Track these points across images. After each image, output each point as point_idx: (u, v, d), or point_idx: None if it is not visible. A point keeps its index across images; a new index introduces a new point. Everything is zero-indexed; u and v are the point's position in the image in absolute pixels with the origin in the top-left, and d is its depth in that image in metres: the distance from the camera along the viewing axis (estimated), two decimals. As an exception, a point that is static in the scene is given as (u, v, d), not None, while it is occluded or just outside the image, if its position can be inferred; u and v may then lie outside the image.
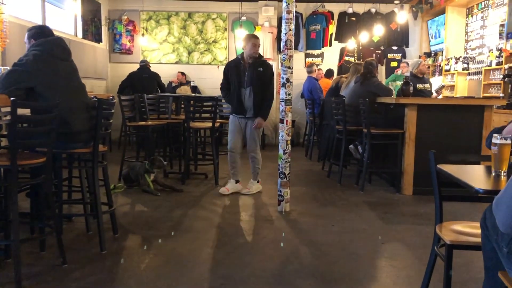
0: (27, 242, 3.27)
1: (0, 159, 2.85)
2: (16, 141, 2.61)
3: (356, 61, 8.76)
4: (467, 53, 8.46)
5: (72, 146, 3.23)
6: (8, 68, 3.20)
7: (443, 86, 6.97)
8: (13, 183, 2.63)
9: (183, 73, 9.59)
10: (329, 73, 9.11)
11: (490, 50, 7.48)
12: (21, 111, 2.69)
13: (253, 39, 5.01)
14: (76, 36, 8.27)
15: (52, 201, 3.08)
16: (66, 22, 8.02)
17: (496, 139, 2.05)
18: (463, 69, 8.25)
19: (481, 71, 7.68)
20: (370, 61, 6.11)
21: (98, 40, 9.21)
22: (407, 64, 8.06)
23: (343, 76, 7.29)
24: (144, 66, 8.40)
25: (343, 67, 9.83)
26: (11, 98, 2.61)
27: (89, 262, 3.05)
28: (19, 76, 2.94)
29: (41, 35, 3.15)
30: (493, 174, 2.10)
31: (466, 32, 8.64)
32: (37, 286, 2.65)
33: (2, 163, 2.77)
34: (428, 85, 6.65)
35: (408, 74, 7.01)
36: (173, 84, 9.39)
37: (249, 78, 4.94)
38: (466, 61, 8.22)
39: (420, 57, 9.73)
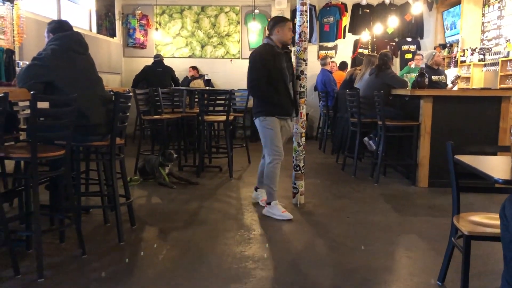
0: (47, 234, 3.33)
1: (20, 152, 2.91)
2: (36, 134, 2.66)
3: (370, 53, 8.71)
4: (483, 44, 8.34)
5: (90, 139, 3.28)
6: (27, 62, 3.25)
7: (458, 76, 6.90)
8: (34, 175, 2.69)
9: (194, 67, 9.61)
10: (343, 66, 9.06)
11: (507, 41, 7.37)
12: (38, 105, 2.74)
13: (289, 23, 4.11)
14: (91, 31, 8.34)
15: (71, 193, 3.13)
16: (80, 17, 8.11)
17: (515, 129, 2.03)
18: (479, 60, 8.14)
19: (498, 62, 7.58)
20: (385, 53, 6.07)
21: (112, 34, 9.27)
22: (422, 56, 7.97)
23: (357, 68, 7.25)
24: (159, 60, 8.44)
25: (357, 60, 9.77)
26: (31, 92, 2.65)
27: (108, 253, 3.11)
28: (38, 70, 2.99)
29: (59, 30, 3.20)
30: (512, 164, 2.09)
31: (483, 23, 8.51)
32: (58, 276, 2.71)
33: (22, 155, 2.82)
34: (443, 76, 6.58)
35: (423, 65, 6.95)
36: (189, 78, 9.42)
37: (290, 70, 4.21)
38: (482, 52, 8.11)
39: (435, 48, 9.63)
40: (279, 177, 4.09)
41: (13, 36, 5.51)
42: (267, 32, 4.23)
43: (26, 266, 2.79)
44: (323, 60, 8.42)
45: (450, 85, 6.97)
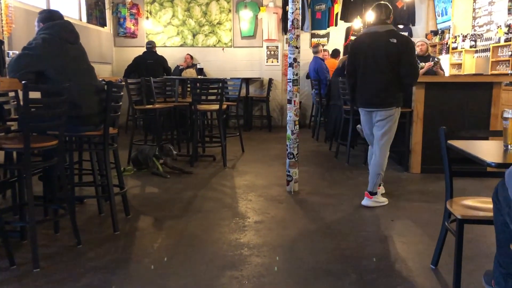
0: (41, 224, 3.33)
1: (12, 143, 2.88)
2: (28, 124, 2.64)
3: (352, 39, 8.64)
4: (475, 30, 8.36)
5: (83, 129, 3.26)
6: (17, 52, 3.21)
7: (437, 62, 6.95)
8: (27, 165, 2.67)
9: (192, 57, 9.57)
10: (335, 53, 9.05)
11: (498, 27, 7.40)
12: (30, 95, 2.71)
13: None
14: (81, 20, 8.25)
15: (65, 184, 3.12)
16: (70, 6, 8.00)
17: (507, 114, 2.05)
18: (471, 47, 8.17)
19: (489, 48, 7.61)
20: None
21: (103, 24, 9.17)
22: (426, 43, 7.96)
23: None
24: (150, 49, 8.35)
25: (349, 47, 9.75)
26: (23, 82, 2.63)
27: (103, 242, 3.11)
28: (29, 60, 2.96)
29: (50, 19, 3.16)
30: (504, 148, 2.11)
31: (474, 9, 8.53)
32: (53, 266, 2.71)
33: (15, 146, 2.80)
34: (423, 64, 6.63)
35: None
36: (181, 67, 9.36)
37: None
38: (473, 39, 8.14)
39: (426, 35, 9.64)
40: None
41: (2, 26, 5.44)
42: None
43: (21, 256, 2.79)
44: (315, 48, 8.40)
45: (422, 64, 6.99)
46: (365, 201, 4.00)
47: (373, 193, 4.00)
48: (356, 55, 4.04)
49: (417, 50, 6.50)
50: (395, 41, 3.83)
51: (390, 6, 4.01)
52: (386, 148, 4.02)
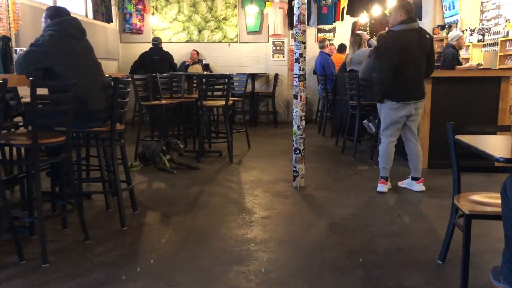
0: (50, 220, 3.35)
1: (20, 139, 2.91)
2: (36, 121, 2.65)
3: (355, 32, 8.60)
4: (483, 24, 8.29)
5: (90, 125, 3.28)
6: (24, 49, 3.23)
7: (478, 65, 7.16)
8: (35, 161, 2.69)
9: (198, 52, 9.58)
10: (341, 48, 9.00)
11: (506, 20, 7.33)
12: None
13: None
14: (87, 16, 8.26)
15: (73, 179, 3.14)
16: (76, 3, 8.02)
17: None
18: (479, 41, 8.10)
19: (497, 42, 7.54)
20: (383, 35, 6.03)
21: (109, 20, 9.19)
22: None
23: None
24: (156, 45, 8.36)
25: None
26: (30, 78, 2.64)
27: (110, 238, 3.13)
28: (36, 56, 2.97)
29: (57, 16, 3.17)
30: (513, 143, 2.10)
31: (482, 3, 8.44)
32: (62, 261, 2.73)
33: (23, 142, 2.83)
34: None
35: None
36: (186, 63, 9.36)
37: None
38: (481, 33, 8.07)
39: (433, 30, 9.57)
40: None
41: (9, 23, 5.46)
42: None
43: (30, 252, 2.81)
44: (321, 42, 8.36)
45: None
46: (419, 187, 4.30)
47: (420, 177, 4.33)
48: (400, 51, 4.14)
49: (459, 43, 6.64)
50: (428, 36, 4.22)
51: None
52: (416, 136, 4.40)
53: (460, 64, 6.79)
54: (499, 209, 2.21)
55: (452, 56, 6.83)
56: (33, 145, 2.66)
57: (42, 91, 2.75)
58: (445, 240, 2.68)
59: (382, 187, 4.29)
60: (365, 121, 5.95)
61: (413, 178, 4.36)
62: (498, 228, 3.22)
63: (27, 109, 3.85)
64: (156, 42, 8.40)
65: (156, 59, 8.18)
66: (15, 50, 5.10)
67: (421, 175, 4.36)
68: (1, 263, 2.69)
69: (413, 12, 4.26)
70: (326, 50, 8.26)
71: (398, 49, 4.14)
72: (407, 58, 4.13)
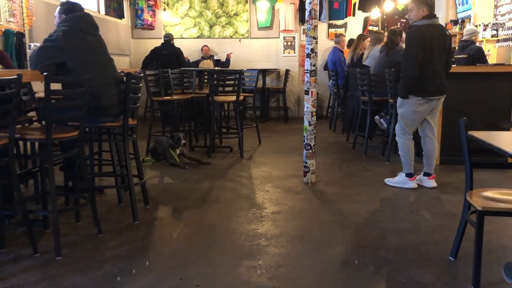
0: (63, 213, 3.40)
1: (34, 133, 2.95)
2: (50, 115, 2.68)
3: (378, 30, 8.58)
4: (497, 19, 8.17)
5: (103, 120, 3.30)
6: (38, 44, 3.27)
7: None
8: (49, 156, 2.72)
9: (209, 48, 9.61)
10: (350, 43, 8.95)
11: (521, 15, 7.22)
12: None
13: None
14: (99, 12, 8.32)
15: (86, 174, 3.18)
16: (88, -2, 8.08)
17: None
18: (492, 36, 8.00)
19: (511, 38, 7.44)
20: (393, 30, 6.00)
21: (120, 16, 9.23)
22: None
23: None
24: (168, 41, 8.38)
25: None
26: (44, 73, 2.67)
27: (123, 232, 3.16)
28: (50, 52, 3.01)
29: (70, 11, 3.20)
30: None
31: (496, -3, 8.33)
32: (75, 254, 2.77)
33: (37, 137, 2.86)
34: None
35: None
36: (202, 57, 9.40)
37: None
38: (495, 28, 7.96)
39: (446, 25, 9.48)
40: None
41: (23, 19, 5.52)
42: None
43: (44, 245, 2.85)
44: (337, 37, 8.27)
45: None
46: (431, 183, 4.31)
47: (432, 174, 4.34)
48: (425, 46, 4.10)
49: (477, 39, 6.72)
50: (448, 33, 4.28)
51: None
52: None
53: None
54: (512, 206, 2.20)
55: (481, 52, 6.77)
56: (47, 139, 2.69)
57: (55, 86, 2.78)
58: (457, 237, 2.67)
59: (413, 183, 4.29)
60: (377, 116, 5.91)
61: (425, 174, 4.34)
62: (510, 224, 3.20)
63: (41, 104, 3.90)
64: (168, 38, 8.44)
65: (164, 53, 8.21)
66: (29, 45, 5.16)
67: (433, 171, 4.33)
68: (16, 255, 2.73)
69: (434, 8, 4.24)
70: (340, 46, 8.21)
71: (423, 44, 4.08)
72: (432, 53, 4.09)
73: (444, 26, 4.38)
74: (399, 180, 4.34)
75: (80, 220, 3.32)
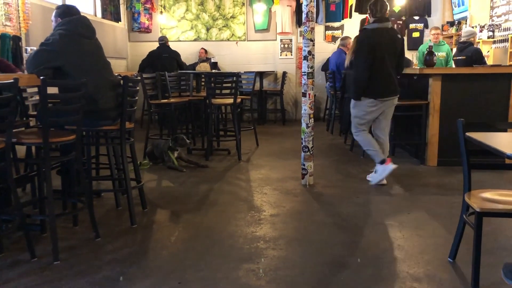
0: (61, 218, 3.38)
1: (31, 137, 2.94)
2: (47, 119, 2.68)
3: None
4: (493, 21, 8.20)
5: (100, 124, 3.30)
6: (35, 48, 3.26)
7: None
8: (46, 160, 2.71)
9: (206, 50, 9.61)
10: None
11: (517, 17, 7.25)
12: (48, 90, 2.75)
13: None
14: (96, 16, 8.31)
15: (83, 178, 3.16)
16: (85, 2, 8.06)
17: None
18: (488, 37, 8.03)
19: (508, 39, 7.46)
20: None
21: (117, 19, 9.23)
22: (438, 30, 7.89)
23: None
24: (163, 44, 8.39)
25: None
26: (41, 77, 2.66)
27: (121, 235, 3.15)
28: (47, 56, 3.00)
29: (67, 14, 3.20)
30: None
31: (492, -1, 8.36)
32: (73, 258, 2.75)
33: (34, 141, 2.85)
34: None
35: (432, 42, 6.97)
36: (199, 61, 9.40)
37: None
38: (491, 29, 7.99)
39: (442, 26, 9.51)
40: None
41: (19, 23, 5.51)
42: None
43: (42, 249, 2.84)
44: (343, 40, 8.20)
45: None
46: (392, 165, 4.36)
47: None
48: (375, 50, 4.27)
49: (475, 40, 6.69)
50: (399, 36, 4.43)
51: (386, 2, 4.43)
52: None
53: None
54: (510, 207, 2.20)
55: (480, 53, 6.79)
56: (44, 144, 2.68)
57: (52, 89, 2.78)
58: (455, 238, 2.67)
59: (391, 165, 4.34)
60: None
61: (382, 162, 4.39)
62: (509, 225, 3.20)
63: (37, 108, 3.89)
64: (163, 41, 8.43)
65: (165, 57, 8.20)
66: (25, 49, 5.15)
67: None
68: (13, 260, 2.72)
69: (383, 11, 4.35)
70: (346, 49, 8.15)
71: (372, 47, 4.25)
72: (382, 56, 4.26)
73: (396, 29, 4.50)
74: (379, 172, 4.39)
75: (78, 224, 3.30)
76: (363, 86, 4.33)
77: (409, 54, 8.15)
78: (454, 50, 7.67)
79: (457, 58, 6.96)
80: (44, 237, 3.08)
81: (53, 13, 3.28)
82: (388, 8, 4.42)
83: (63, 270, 2.58)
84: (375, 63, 4.27)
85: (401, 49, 4.42)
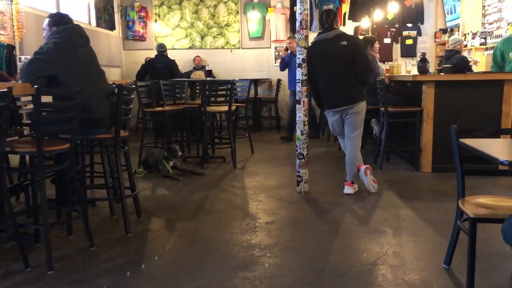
0: (55, 227, 3.36)
1: (25, 146, 2.92)
2: (41, 128, 2.67)
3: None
4: (485, 28, 8.29)
5: (94, 132, 3.29)
6: (29, 57, 3.26)
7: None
8: (40, 169, 2.70)
9: (201, 58, 9.65)
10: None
11: (508, 24, 7.32)
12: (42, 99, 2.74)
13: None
14: (90, 24, 8.32)
15: (78, 186, 3.15)
16: (79, 10, 8.07)
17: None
18: (481, 44, 8.10)
19: (499, 46, 7.53)
20: (365, 38, 6.32)
21: (112, 27, 9.24)
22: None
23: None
24: (162, 52, 8.29)
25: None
26: (35, 86, 2.66)
27: (115, 244, 3.13)
28: (41, 64, 2.99)
29: (60, 23, 3.20)
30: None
31: (483, 6, 8.44)
32: (67, 268, 2.73)
33: (28, 149, 2.84)
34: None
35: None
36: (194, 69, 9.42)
37: None
38: (483, 36, 8.06)
39: (435, 33, 9.59)
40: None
41: (13, 31, 5.50)
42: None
43: (35, 259, 2.81)
44: None
45: None
46: (347, 190, 4.36)
47: (352, 182, 4.39)
48: (312, 63, 4.33)
49: (461, 48, 6.84)
50: (345, 43, 4.23)
51: (334, 11, 4.48)
52: (358, 140, 4.41)
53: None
54: (504, 212, 2.20)
55: (465, 61, 6.80)
56: (38, 152, 2.67)
57: (46, 98, 2.77)
58: (450, 244, 2.67)
59: (361, 169, 4.41)
60: (374, 119, 5.97)
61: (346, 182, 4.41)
62: (503, 231, 3.20)
63: (31, 117, 3.87)
64: (162, 49, 8.30)
65: (159, 67, 8.17)
66: (19, 58, 5.13)
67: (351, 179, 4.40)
68: (7, 270, 2.70)
69: (330, 20, 4.32)
70: None
71: (310, 61, 4.29)
72: (323, 67, 4.27)
73: (344, 36, 4.29)
74: (362, 178, 4.40)
75: (72, 233, 3.28)
76: (315, 99, 4.50)
77: (402, 61, 8.21)
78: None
79: (445, 66, 7.00)
80: (38, 246, 3.05)
81: (46, 22, 3.27)
82: (337, 16, 4.42)
83: (57, 280, 2.56)
84: (318, 75, 4.33)
85: (354, 55, 4.18)
